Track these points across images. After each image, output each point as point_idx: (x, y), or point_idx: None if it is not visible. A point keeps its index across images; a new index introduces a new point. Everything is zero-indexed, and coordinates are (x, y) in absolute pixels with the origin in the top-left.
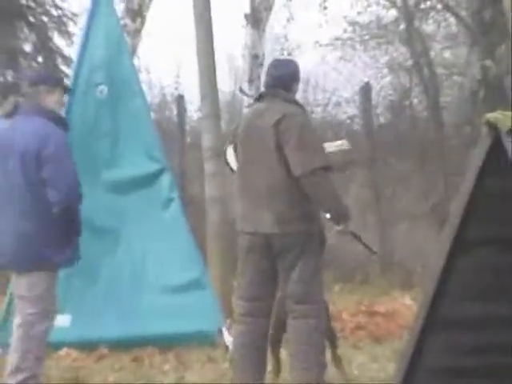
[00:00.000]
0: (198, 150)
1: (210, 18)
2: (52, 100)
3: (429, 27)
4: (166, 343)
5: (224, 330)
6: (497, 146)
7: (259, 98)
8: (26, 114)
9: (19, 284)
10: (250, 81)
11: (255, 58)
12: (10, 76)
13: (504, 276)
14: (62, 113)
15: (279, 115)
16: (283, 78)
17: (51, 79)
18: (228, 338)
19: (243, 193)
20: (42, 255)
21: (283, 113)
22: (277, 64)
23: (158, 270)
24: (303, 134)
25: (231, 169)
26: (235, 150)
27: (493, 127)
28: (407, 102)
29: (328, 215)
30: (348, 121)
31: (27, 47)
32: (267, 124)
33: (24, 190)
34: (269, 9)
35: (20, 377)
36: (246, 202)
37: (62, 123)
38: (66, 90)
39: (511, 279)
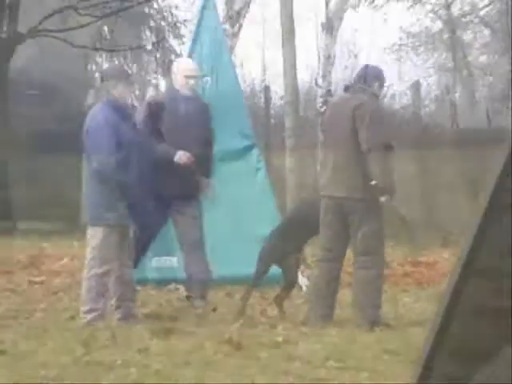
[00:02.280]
0: (280, 129)
1: (293, 27)
2: (116, 92)
3: (468, 36)
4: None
5: (299, 273)
6: None
7: (345, 89)
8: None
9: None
10: (323, 76)
11: (328, 58)
12: (134, 69)
13: None
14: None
15: (358, 102)
16: (366, 78)
17: (114, 76)
18: (301, 280)
19: (325, 164)
20: (96, 212)
21: (361, 101)
22: (366, 67)
23: (249, 224)
24: (373, 118)
25: None
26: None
27: None
28: (448, 96)
29: (373, 182)
30: (401, 110)
31: (148, 46)
32: (348, 109)
33: (86, 160)
34: (340, 19)
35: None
36: (326, 171)
37: (120, 110)
38: (124, 81)
39: None
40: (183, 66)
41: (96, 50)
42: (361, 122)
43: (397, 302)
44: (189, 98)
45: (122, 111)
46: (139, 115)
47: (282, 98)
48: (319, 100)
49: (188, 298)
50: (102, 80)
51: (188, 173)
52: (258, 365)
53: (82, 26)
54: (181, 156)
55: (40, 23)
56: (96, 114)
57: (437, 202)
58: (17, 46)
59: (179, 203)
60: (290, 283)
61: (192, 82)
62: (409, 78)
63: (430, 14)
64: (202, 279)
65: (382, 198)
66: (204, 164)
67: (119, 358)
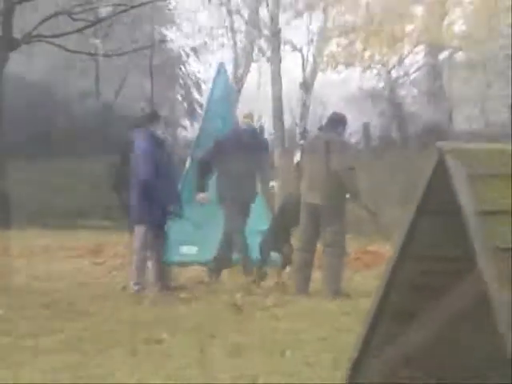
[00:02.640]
0: (270, 157)
1: (281, 85)
2: (154, 129)
3: (402, 93)
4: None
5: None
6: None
7: (320, 129)
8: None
9: None
10: (301, 119)
11: (304, 106)
12: (167, 112)
13: (451, 235)
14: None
15: (328, 138)
16: (334, 121)
17: (149, 119)
18: None
19: (304, 179)
20: (138, 215)
21: (330, 138)
22: (334, 113)
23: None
24: (341, 149)
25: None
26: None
27: (439, 151)
28: (388, 133)
29: (348, 195)
30: (355, 143)
31: (179, 97)
32: (322, 143)
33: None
34: (313, 79)
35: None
36: (305, 184)
37: (155, 140)
38: (158, 121)
39: (455, 236)
40: (243, 111)
41: (91, 55)
42: (332, 152)
43: (352, 279)
44: (247, 130)
45: (157, 142)
46: (207, 152)
47: (271, 134)
48: (298, 136)
49: (211, 273)
50: (145, 120)
51: (246, 180)
52: (254, 322)
53: (76, 31)
54: (199, 197)
55: (34, 29)
56: (140, 143)
57: (380, 204)
58: (11, 51)
59: (240, 203)
60: (286, 262)
61: (247, 120)
62: (361, 121)
63: (376, 77)
64: (225, 265)
65: (353, 202)
66: (261, 171)
67: (157, 317)
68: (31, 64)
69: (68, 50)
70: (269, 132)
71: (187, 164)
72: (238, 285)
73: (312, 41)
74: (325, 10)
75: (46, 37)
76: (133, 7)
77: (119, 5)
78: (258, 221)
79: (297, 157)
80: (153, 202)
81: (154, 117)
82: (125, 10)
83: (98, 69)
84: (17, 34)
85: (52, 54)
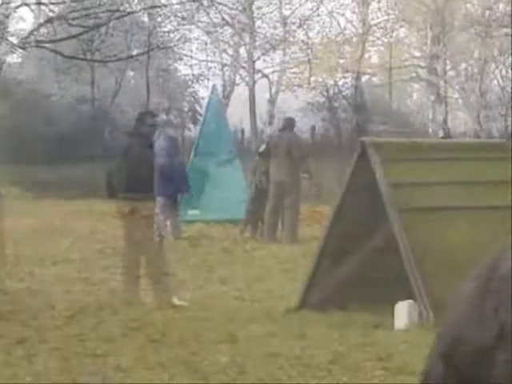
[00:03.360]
0: (249, 150)
1: (254, 100)
2: (169, 132)
3: (336, 104)
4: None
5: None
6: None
7: (281, 129)
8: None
9: None
10: (269, 123)
11: (271, 114)
12: (178, 119)
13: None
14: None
15: (289, 136)
16: (290, 124)
17: (167, 124)
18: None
19: (273, 164)
20: (159, 189)
21: (291, 136)
22: (288, 118)
23: (231, 194)
24: (297, 143)
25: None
26: (267, 149)
27: (362, 143)
28: (328, 132)
29: (302, 175)
30: (305, 138)
31: (185, 109)
32: (285, 139)
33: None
34: (277, 97)
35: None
36: (273, 168)
37: (170, 139)
38: (172, 126)
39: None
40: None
41: (86, 60)
42: (292, 145)
43: (305, 230)
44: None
45: (171, 139)
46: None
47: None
48: (275, 135)
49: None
50: (164, 125)
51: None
52: (239, 257)
53: (73, 37)
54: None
55: (30, 34)
56: (160, 141)
57: (323, 181)
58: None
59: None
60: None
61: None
62: (309, 124)
63: (319, 94)
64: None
65: (306, 179)
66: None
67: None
68: (27, 69)
69: (64, 56)
70: (248, 134)
71: (191, 155)
72: (229, 235)
73: (275, 70)
74: (284, 50)
75: (42, 42)
76: (129, 13)
77: (116, 10)
78: (236, 194)
79: (261, 149)
80: (169, 181)
81: (169, 122)
82: (121, 17)
83: (93, 74)
84: (13, 39)
85: (48, 59)
